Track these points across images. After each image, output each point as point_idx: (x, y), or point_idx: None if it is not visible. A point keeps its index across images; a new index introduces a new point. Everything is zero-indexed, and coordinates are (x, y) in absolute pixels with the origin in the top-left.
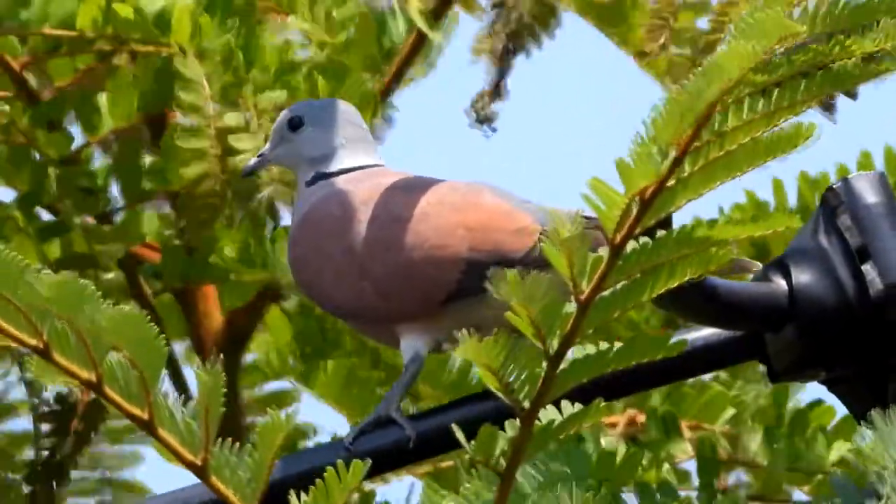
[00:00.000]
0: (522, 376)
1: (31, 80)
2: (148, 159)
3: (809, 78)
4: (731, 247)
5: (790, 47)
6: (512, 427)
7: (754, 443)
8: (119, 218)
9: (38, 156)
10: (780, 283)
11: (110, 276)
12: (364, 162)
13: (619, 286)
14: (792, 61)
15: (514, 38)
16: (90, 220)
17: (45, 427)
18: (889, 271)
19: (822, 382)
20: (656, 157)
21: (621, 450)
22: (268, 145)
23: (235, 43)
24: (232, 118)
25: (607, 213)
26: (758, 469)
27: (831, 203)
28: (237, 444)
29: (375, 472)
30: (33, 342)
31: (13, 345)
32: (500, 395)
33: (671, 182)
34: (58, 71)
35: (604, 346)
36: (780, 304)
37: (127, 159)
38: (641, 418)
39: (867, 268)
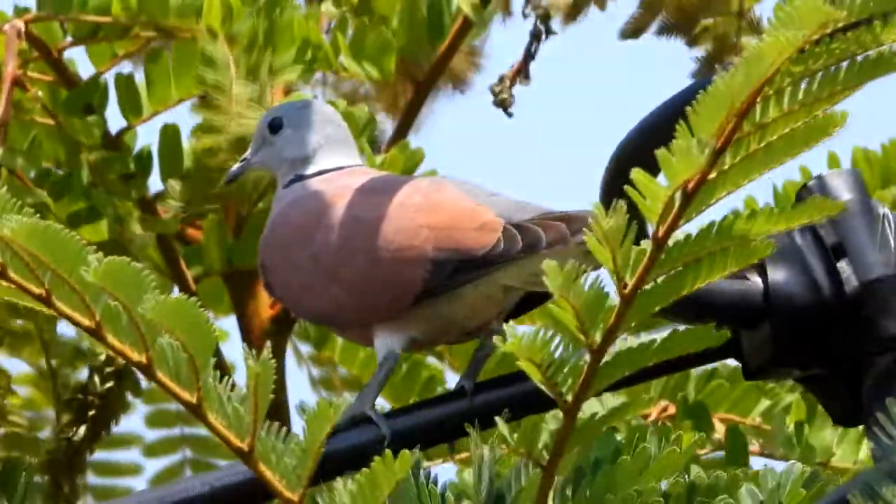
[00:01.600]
0: (565, 369)
1: (72, 67)
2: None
3: (848, 67)
4: (772, 241)
5: (825, 36)
6: (555, 419)
7: (784, 436)
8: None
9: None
10: (756, 280)
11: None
12: (342, 163)
13: (660, 279)
14: (831, 50)
15: (543, 21)
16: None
17: (65, 416)
18: (864, 268)
19: (798, 379)
20: (699, 149)
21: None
22: (250, 150)
23: (259, 24)
24: (246, 89)
25: (650, 205)
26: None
27: None
28: (283, 428)
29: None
30: (86, 322)
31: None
32: (543, 387)
33: (713, 174)
34: (97, 57)
35: (646, 339)
36: (755, 301)
37: (167, 143)
38: (674, 409)
39: (842, 265)
